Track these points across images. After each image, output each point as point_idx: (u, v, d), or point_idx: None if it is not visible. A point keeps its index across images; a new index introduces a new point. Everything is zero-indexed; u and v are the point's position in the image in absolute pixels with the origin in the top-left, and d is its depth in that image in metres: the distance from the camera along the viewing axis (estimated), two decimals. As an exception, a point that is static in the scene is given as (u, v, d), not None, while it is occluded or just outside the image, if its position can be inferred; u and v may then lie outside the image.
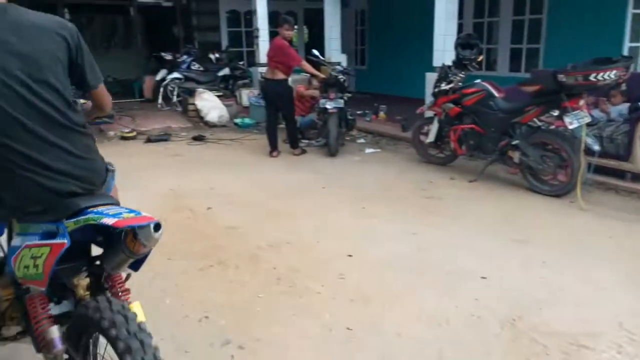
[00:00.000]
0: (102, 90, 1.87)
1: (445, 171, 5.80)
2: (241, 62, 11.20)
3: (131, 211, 1.58)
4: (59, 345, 1.67)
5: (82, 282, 1.75)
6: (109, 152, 7.01)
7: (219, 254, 3.56)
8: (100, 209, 1.60)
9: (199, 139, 7.65)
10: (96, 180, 1.78)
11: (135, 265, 1.77)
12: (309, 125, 7.40)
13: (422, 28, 8.49)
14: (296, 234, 3.95)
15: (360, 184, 5.38)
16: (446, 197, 4.88)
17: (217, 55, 11.41)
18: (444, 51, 6.75)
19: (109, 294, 1.78)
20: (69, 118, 1.64)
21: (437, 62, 6.65)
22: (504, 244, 3.71)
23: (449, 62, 5.80)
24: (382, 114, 8.74)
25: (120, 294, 1.84)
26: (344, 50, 10.10)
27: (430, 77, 6.43)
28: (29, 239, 1.63)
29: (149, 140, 7.50)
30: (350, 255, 3.54)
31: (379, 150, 7.09)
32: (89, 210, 1.58)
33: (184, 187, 5.21)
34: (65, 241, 1.52)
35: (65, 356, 1.75)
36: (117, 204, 1.75)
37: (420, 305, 2.88)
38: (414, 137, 6.31)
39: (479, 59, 5.69)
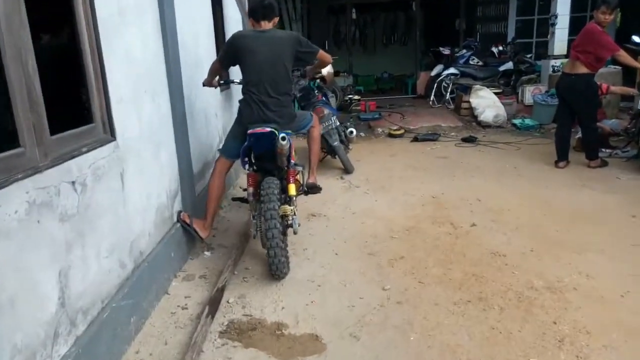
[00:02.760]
0: (320, 55, 3.43)
1: None
2: (528, 55, 9.95)
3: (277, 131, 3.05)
4: (251, 197, 3.25)
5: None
6: (374, 148, 6.95)
7: (479, 287, 2.92)
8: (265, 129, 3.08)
9: (469, 140, 6.99)
10: (285, 118, 3.23)
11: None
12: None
13: None
14: (587, 277, 2.98)
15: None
16: None
17: (500, 48, 10.42)
18: None
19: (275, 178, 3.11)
20: (284, 86, 3.24)
21: None
22: None
23: None
24: None
25: (290, 178, 3.26)
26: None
27: None
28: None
29: (415, 139, 7.21)
30: (676, 327, 2.44)
31: None
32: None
33: (447, 195, 4.68)
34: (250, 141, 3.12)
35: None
36: (290, 128, 3.28)
37: None
38: None
39: None
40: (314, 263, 3.33)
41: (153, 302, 2.71)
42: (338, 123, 5.40)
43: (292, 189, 3.19)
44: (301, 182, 3.60)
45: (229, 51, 3.27)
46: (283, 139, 2.94)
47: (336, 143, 5.31)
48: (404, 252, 3.45)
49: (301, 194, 3.75)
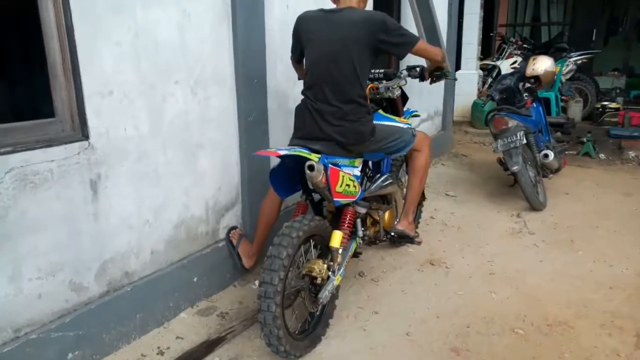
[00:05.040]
0: (416, 48, 2.35)
1: None
2: None
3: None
4: None
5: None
6: (605, 179, 5.20)
7: None
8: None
9: None
10: (351, 137, 2.28)
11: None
12: None
13: None
14: None
15: None
16: None
17: None
18: None
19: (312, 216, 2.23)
20: (352, 91, 2.27)
21: None
22: None
23: None
24: None
25: (344, 221, 2.34)
26: None
27: None
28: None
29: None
30: None
31: None
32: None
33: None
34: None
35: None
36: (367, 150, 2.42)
37: None
38: None
39: None
40: (365, 339, 2.36)
41: (130, 335, 2.27)
42: (525, 141, 3.93)
43: (334, 238, 2.22)
44: (381, 223, 2.62)
45: (293, 39, 2.50)
46: (311, 168, 2.05)
47: (516, 167, 3.88)
48: (508, 366, 2.16)
49: (384, 241, 2.76)
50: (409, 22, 4.32)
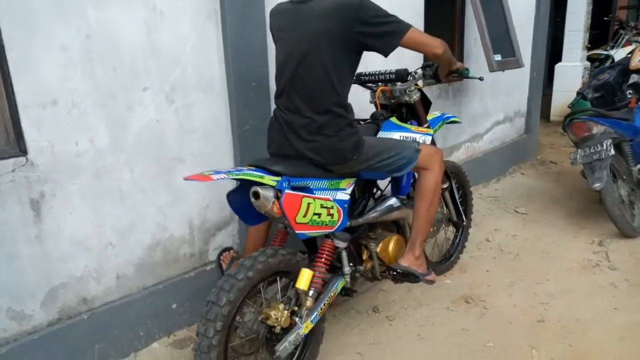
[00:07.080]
0: (407, 39, 1.80)
1: None
2: None
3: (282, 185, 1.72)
4: None
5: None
6: None
7: None
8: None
9: None
10: (326, 155, 1.84)
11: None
12: None
13: None
14: None
15: None
16: None
17: None
18: None
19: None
20: (327, 98, 1.80)
21: None
22: None
23: None
24: None
25: (320, 259, 1.95)
26: None
27: None
28: None
29: None
30: None
31: None
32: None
33: None
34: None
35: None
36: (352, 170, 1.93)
37: None
38: None
39: None
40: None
41: (83, 369, 2.07)
42: (613, 152, 3.12)
43: (301, 278, 1.80)
44: (375, 257, 2.13)
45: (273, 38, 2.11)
46: (256, 195, 1.69)
47: (598, 184, 3.10)
48: None
49: (386, 278, 2.26)
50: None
